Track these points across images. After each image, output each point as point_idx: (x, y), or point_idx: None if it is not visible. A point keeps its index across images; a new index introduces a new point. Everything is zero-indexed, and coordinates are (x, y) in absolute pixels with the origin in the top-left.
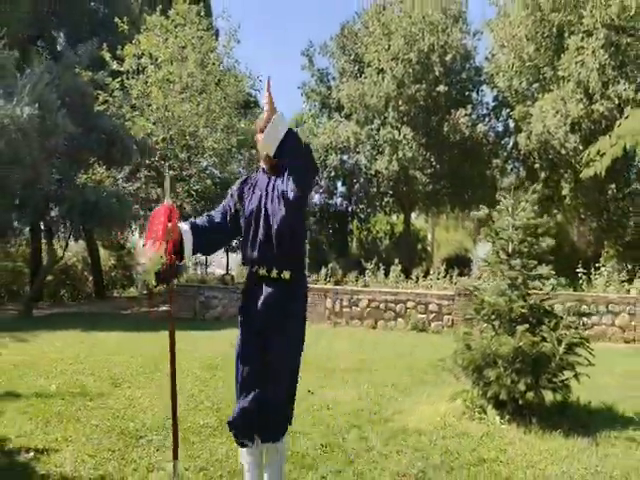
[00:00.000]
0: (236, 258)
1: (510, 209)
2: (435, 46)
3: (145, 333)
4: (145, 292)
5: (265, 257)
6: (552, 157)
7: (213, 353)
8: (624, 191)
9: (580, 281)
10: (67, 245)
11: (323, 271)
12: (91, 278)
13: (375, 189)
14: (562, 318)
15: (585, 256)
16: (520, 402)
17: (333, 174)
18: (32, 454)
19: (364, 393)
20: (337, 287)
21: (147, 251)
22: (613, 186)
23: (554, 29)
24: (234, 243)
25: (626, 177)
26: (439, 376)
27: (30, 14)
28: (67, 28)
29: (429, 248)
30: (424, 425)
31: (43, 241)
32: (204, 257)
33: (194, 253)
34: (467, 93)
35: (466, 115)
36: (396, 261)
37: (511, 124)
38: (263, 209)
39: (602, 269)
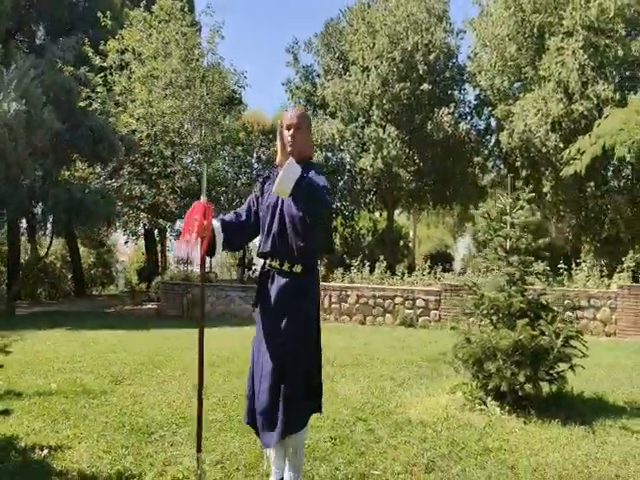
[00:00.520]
0: (218, 256)
1: (508, 207)
2: (419, 45)
3: (135, 331)
4: (126, 290)
5: (278, 250)
6: (533, 155)
7: (209, 350)
8: (602, 189)
9: (561, 277)
10: (51, 242)
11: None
12: (70, 276)
13: (359, 186)
14: (558, 312)
15: (563, 252)
16: (520, 393)
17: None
18: (46, 451)
19: (365, 387)
20: (325, 283)
21: (184, 246)
22: (592, 184)
23: (535, 29)
24: None
25: (604, 175)
26: (435, 369)
27: (8, 7)
28: (47, 22)
29: (411, 245)
30: (427, 417)
31: (22, 239)
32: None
33: (222, 250)
34: (450, 92)
35: (449, 114)
36: (381, 257)
37: (493, 122)
38: (280, 204)
39: (582, 264)
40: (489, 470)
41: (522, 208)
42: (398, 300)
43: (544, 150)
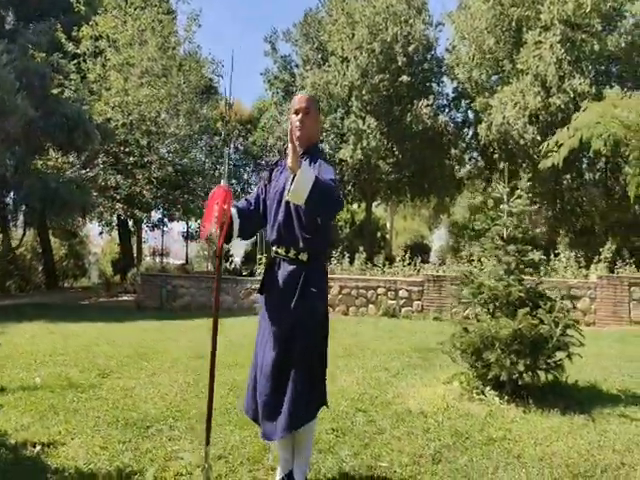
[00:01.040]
0: (194, 247)
1: (505, 197)
2: (398, 36)
3: (116, 324)
4: (100, 283)
5: (284, 237)
6: (511, 147)
7: (195, 342)
8: (578, 181)
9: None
10: (25, 233)
11: None
12: (41, 268)
13: (338, 177)
14: (556, 301)
15: (539, 244)
16: (520, 383)
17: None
18: (39, 448)
19: (360, 378)
20: None
21: (207, 231)
22: (568, 177)
23: (513, 23)
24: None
25: (579, 168)
26: (426, 360)
27: None
28: (17, 7)
29: (388, 236)
30: (427, 407)
31: None
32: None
33: (236, 237)
34: (428, 84)
35: (428, 105)
36: (361, 249)
37: (470, 115)
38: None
39: (561, 255)
40: (496, 460)
41: (520, 197)
42: (381, 291)
43: (522, 142)
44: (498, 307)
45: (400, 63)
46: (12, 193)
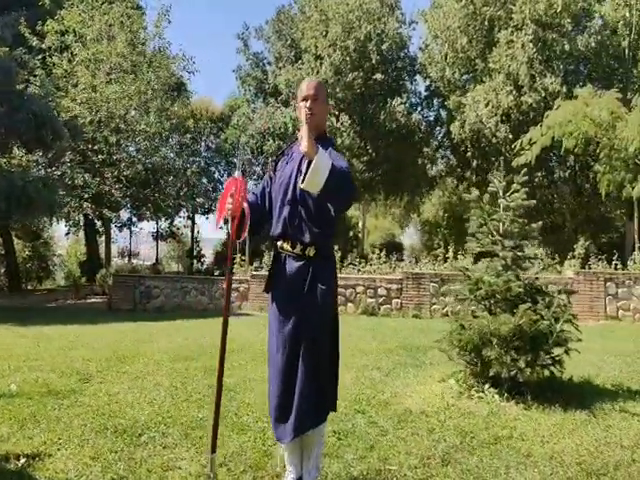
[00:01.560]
0: (164, 248)
1: (501, 191)
2: (372, 34)
3: (90, 326)
4: (66, 285)
5: (290, 231)
6: (484, 145)
7: (175, 344)
8: (549, 179)
9: None
10: None
11: (266, 258)
12: (3, 270)
13: None
14: (554, 296)
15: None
16: (521, 380)
17: (269, 160)
18: (23, 460)
19: (354, 378)
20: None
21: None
22: (539, 174)
23: (486, 22)
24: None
25: (550, 166)
26: (414, 358)
27: None
28: None
29: (360, 235)
30: (426, 406)
31: None
32: (130, 248)
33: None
34: (402, 82)
35: (402, 104)
36: (335, 247)
37: (443, 114)
38: (292, 183)
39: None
40: (505, 460)
41: (517, 191)
42: (360, 289)
43: (494, 140)
44: (496, 303)
45: (374, 61)
46: None
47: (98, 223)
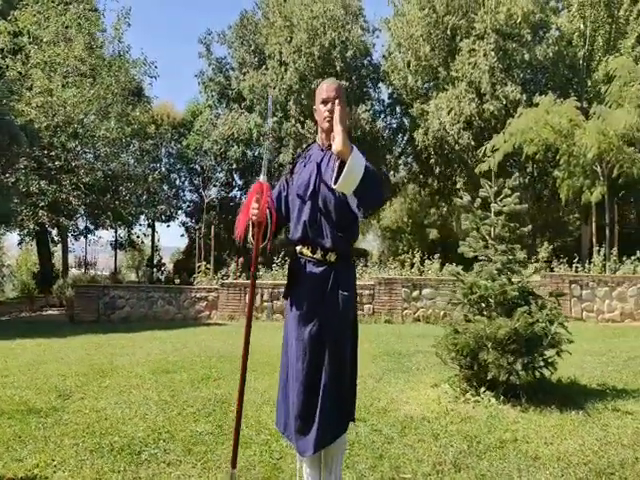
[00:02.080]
0: (123, 257)
1: (493, 196)
2: (336, 41)
3: (56, 339)
4: (16, 297)
5: (310, 236)
6: (447, 152)
7: (153, 356)
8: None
9: None
10: None
11: (233, 266)
12: None
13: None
14: (545, 299)
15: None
16: (517, 382)
17: (234, 166)
18: None
19: None
20: (256, 281)
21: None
22: (500, 180)
23: (448, 31)
24: (122, 240)
25: (510, 172)
26: (400, 363)
27: None
28: None
29: None
30: (426, 412)
31: None
32: (86, 257)
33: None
34: (366, 89)
35: (366, 111)
36: None
37: (405, 121)
38: (312, 185)
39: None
40: (515, 463)
41: (509, 196)
42: None
43: (457, 147)
44: (490, 307)
45: (338, 68)
46: None
47: (54, 232)
